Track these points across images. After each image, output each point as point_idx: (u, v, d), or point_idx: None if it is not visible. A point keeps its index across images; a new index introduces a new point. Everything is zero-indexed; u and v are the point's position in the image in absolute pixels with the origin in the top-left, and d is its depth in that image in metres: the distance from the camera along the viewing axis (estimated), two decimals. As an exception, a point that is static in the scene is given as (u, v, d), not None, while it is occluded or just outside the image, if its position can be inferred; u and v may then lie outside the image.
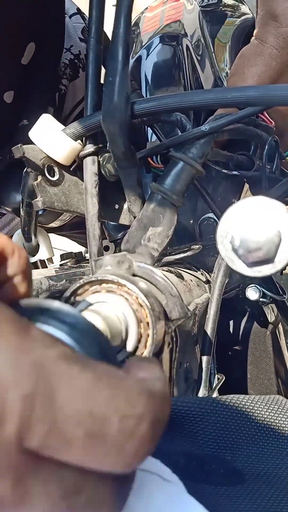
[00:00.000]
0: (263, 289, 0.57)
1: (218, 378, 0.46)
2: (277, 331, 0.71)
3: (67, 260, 0.59)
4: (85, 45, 0.70)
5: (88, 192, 0.43)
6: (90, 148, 0.44)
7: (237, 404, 0.37)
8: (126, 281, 0.38)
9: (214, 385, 0.46)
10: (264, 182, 0.49)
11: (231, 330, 0.65)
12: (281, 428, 0.37)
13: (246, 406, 0.37)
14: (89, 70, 0.43)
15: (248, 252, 0.30)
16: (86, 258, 0.63)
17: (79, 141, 0.45)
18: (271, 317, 0.69)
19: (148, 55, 0.71)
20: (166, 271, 0.46)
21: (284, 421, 0.37)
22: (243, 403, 0.37)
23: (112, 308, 0.38)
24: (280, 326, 0.72)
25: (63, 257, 0.60)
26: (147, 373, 0.22)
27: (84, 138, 0.44)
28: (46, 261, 0.55)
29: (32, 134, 0.44)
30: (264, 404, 0.38)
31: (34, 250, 0.54)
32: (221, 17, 0.82)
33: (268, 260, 0.33)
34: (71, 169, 0.46)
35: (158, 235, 0.43)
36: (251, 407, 0.37)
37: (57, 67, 0.68)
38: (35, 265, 0.58)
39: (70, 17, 0.71)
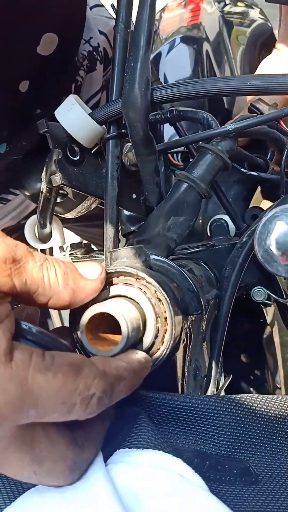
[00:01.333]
0: (268, 292, 0.55)
1: (225, 377, 0.45)
2: (273, 331, 0.70)
3: (77, 250, 0.56)
4: (105, 38, 0.67)
5: (109, 174, 0.41)
6: (113, 131, 0.42)
7: (251, 403, 0.35)
8: (145, 274, 0.36)
9: (221, 384, 0.44)
10: (282, 186, 0.48)
11: (231, 328, 0.64)
12: (294, 430, 0.35)
13: (260, 406, 0.35)
14: (116, 54, 0.41)
15: (284, 254, 0.29)
16: (95, 249, 0.61)
17: (103, 126, 0.43)
18: (269, 318, 0.68)
19: (168, 53, 0.68)
20: (178, 265, 0.44)
21: (296, 422, 0.36)
22: (257, 402, 0.36)
23: (131, 302, 0.36)
24: (275, 326, 0.71)
25: (73, 246, 0.57)
26: (112, 360, 0.29)
27: (108, 123, 0.42)
28: (58, 249, 0.53)
29: (58, 113, 0.42)
30: (277, 404, 0.36)
31: (47, 237, 0.52)
32: (227, 24, 0.80)
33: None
34: (92, 152, 0.44)
35: (179, 224, 0.41)
36: (265, 407, 0.36)
37: (75, 58, 0.65)
38: (44, 253, 0.56)
39: (91, 8, 0.68)
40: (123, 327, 0.30)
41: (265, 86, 0.38)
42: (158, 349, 0.35)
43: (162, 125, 0.62)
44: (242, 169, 0.48)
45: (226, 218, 0.58)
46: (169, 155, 0.49)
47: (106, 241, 0.42)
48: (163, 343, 0.35)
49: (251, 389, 0.65)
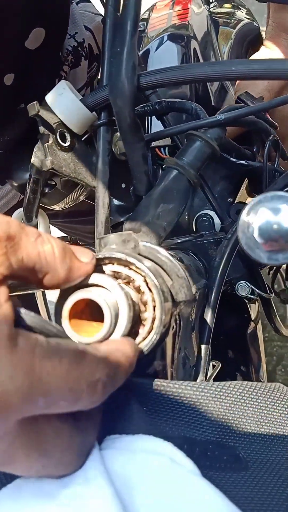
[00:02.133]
0: (252, 286, 0.55)
1: (214, 366, 0.44)
2: (257, 327, 0.69)
3: (64, 243, 0.55)
4: (90, 34, 0.66)
5: (100, 159, 0.40)
6: (104, 118, 0.41)
7: (240, 390, 0.34)
8: (135, 260, 0.35)
9: (210, 373, 0.43)
10: (265, 179, 0.47)
11: (217, 324, 0.63)
12: (283, 416, 0.35)
13: (249, 393, 0.34)
14: (106, 38, 0.40)
15: (267, 242, 0.29)
16: (82, 244, 0.59)
17: (94, 113, 0.41)
18: (253, 314, 0.67)
19: (156, 49, 0.68)
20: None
21: (286, 409, 0.35)
22: (246, 389, 0.35)
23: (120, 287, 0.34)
24: (260, 322, 0.71)
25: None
26: (109, 346, 0.29)
27: (99, 109, 0.41)
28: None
29: (49, 98, 0.41)
30: (266, 392, 0.35)
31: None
32: (215, 24, 0.79)
33: (284, 249, 0.32)
34: (82, 139, 0.43)
35: (168, 212, 0.40)
36: (254, 394, 0.35)
37: (59, 52, 0.64)
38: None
39: (77, 3, 0.67)
40: (106, 313, 0.28)
41: (250, 71, 0.37)
42: (148, 335, 0.34)
43: (150, 121, 0.61)
44: (231, 158, 0.47)
45: (212, 213, 0.57)
46: (156, 149, 0.48)
47: (97, 226, 0.40)
48: (153, 328, 0.34)
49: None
